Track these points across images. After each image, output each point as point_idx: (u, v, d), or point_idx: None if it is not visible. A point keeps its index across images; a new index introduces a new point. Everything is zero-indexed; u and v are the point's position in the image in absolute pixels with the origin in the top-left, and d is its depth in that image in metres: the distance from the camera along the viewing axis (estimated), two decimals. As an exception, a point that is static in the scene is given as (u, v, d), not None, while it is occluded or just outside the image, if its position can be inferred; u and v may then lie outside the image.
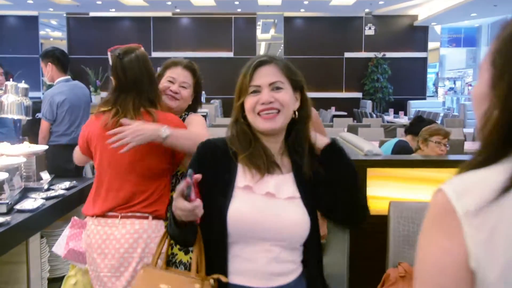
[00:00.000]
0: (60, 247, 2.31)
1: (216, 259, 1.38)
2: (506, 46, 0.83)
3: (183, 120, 2.35)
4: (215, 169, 1.43)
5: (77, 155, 2.30)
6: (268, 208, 1.37)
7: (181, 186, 1.29)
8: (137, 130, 1.94)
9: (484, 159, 0.80)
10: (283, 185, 1.45)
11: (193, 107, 2.45)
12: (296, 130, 1.49)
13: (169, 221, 1.42)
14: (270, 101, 1.41)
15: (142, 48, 2.21)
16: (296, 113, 1.48)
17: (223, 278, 1.35)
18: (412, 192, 3.11)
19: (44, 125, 4.25)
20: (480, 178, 0.76)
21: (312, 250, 1.46)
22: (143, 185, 2.05)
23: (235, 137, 1.46)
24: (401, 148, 4.44)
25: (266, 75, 1.45)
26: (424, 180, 3.22)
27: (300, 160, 1.46)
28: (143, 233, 1.99)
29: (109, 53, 2.18)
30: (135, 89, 2.06)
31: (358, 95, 14.48)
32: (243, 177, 1.43)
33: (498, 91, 0.81)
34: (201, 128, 2.23)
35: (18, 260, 2.55)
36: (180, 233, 1.39)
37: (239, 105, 1.46)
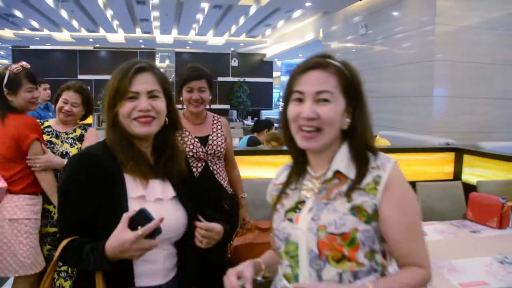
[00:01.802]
0: None
1: (120, 270, 1.24)
2: (357, 77, 1.17)
3: (83, 129, 2.80)
4: (100, 183, 1.27)
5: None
6: (160, 213, 1.21)
7: (147, 228, 1.16)
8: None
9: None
10: (165, 188, 1.37)
11: (85, 116, 2.84)
12: (164, 134, 1.40)
13: (93, 261, 1.21)
14: (148, 109, 1.31)
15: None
16: (167, 119, 1.39)
17: None
18: (258, 172, 3.84)
19: None
20: None
21: (187, 241, 1.40)
22: None
23: (117, 143, 1.33)
24: (252, 141, 5.09)
25: (144, 82, 1.33)
26: (267, 163, 3.95)
27: (170, 162, 1.40)
28: None
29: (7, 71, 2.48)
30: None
31: (227, 106, 17.62)
32: (133, 186, 1.31)
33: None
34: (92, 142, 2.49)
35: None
36: (108, 268, 1.21)
37: (115, 110, 1.31)
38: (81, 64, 17.06)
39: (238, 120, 15.29)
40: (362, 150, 1.18)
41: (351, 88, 1.17)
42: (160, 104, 1.36)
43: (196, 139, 2.54)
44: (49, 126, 2.79)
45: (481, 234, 2.67)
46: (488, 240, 2.56)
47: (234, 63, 18.14)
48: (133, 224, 1.19)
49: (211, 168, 2.58)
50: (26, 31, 14.47)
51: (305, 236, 1.15)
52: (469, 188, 3.38)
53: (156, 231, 1.20)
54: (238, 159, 2.86)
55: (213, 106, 16.52)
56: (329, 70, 1.16)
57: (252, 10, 11.08)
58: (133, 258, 1.23)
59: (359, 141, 1.18)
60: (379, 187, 1.12)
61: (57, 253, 1.29)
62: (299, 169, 1.27)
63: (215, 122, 2.66)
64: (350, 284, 1.12)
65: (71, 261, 1.30)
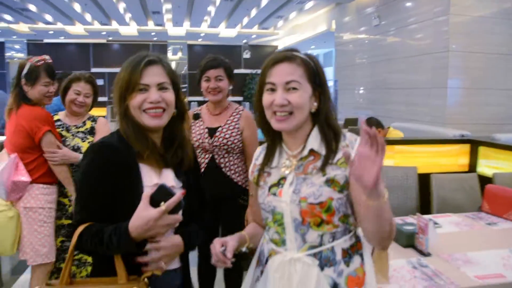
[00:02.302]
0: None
1: (133, 257, 1.28)
2: (315, 70, 1.32)
3: (92, 121, 2.77)
4: (119, 173, 1.31)
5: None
6: None
7: (171, 202, 1.21)
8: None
9: None
10: (174, 176, 1.43)
11: (91, 106, 2.80)
12: (173, 125, 1.44)
13: (116, 243, 1.22)
14: (158, 100, 1.35)
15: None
16: (175, 110, 1.42)
17: (158, 272, 1.30)
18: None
19: None
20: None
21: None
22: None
23: (132, 134, 1.36)
24: None
25: (154, 75, 1.37)
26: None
27: (180, 151, 1.44)
28: None
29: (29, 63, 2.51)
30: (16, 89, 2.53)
31: (240, 98, 17.52)
32: (148, 175, 1.36)
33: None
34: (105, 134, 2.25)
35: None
36: (134, 249, 1.24)
37: (126, 102, 1.36)
38: (94, 57, 17.21)
39: (251, 112, 15.08)
40: (329, 130, 1.35)
41: (316, 76, 1.34)
42: (170, 96, 1.40)
43: (206, 129, 2.55)
44: (58, 120, 2.77)
45: (497, 226, 2.65)
46: (505, 233, 2.54)
47: (246, 55, 18.16)
48: (154, 201, 1.22)
49: (217, 160, 2.56)
50: (40, 25, 14.63)
51: (288, 207, 1.34)
52: (484, 180, 3.36)
53: (179, 206, 1.24)
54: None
55: (228, 98, 17.17)
56: (296, 62, 1.32)
57: (264, 1, 11.06)
58: (160, 235, 1.29)
59: (326, 122, 1.36)
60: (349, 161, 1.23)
61: (74, 239, 1.30)
62: (275, 149, 1.44)
63: (233, 114, 2.62)
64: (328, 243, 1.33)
65: (90, 246, 1.28)
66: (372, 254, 1.48)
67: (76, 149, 2.67)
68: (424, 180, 3.48)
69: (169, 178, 1.42)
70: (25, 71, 2.50)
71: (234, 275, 2.66)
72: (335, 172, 1.31)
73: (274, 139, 1.44)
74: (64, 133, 2.73)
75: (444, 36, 6.68)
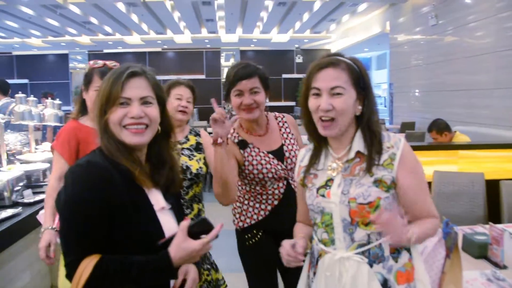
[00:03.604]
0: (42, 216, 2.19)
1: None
2: (362, 70, 1.39)
3: (195, 135, 2.37)
4: (112, 192, 1.19)
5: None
6: (164, 222, 1.29)
7: (213, 235, 1.23)
8: None
9: None
10: (163, 198, 1.35)
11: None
12: (159, 143, 1.36)
13: (152, 276, 1.18)
14: (141, 115, 1.25)
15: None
16: (159, 128, 1.33)
17: None
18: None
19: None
20: None
21: None
22: None
23: (117, 150, 1.25)
24: None
25: (137, 88, 1.28)
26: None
27: (172, 174, 1.37)
28: None
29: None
30: None
31: (293, 103, 17.45)
32: (152, 197, 1.29)
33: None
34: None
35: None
36: (175, 277, 1.24)
37: (106, 116, 1.25)
38: (150, 64, 17.08)
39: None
40: (372, 132, 1.39)
41: (360, 80, 1.37)
42: (154, 111, 1.30)
43: (271, 155, 2.08)
44: None
45: None
46: None
47: (299, 59, 18.03)
48: (193, 232, 1.24)
49: (292, 185, 2.12)
50: (101, 36, 15.26)
51: (338, 208, 1.38)
52: (557, 187, 3.13)
53: (216, 237, 1.27)
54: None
55: (278, 103, 17.20)
56: (340, 67, 1.35)
57: (317, 5, 10.97)
58: (194, 261, 1.29)
59: (368, 124, 1.40)
60: (395, 162, 1.37)
61: (83, 277, 1.13)
62: (321, 152, 1.49)
63: (281, 125, 2.20)
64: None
65: (113, 284, 1.16)
66: (444, 265, 1.46)
67: (186, 169, 2.25)
68: (492, 187, 3.28)
69: (158, 198, 1.33)
70: (84, 76, 2.27)
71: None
72: (382, 172, 1.36)
73: (320, 142, 1.48)
74: None
75: (508, 33, 6.33)
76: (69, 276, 1.17)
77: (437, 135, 4.79)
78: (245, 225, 2.12)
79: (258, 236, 2.09)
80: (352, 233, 1.37)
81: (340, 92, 1.34)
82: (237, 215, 2.17)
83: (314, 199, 1.45)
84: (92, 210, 1.17)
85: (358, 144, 1.41)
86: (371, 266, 1.36)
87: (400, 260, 1.37)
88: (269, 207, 2.09)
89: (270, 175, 2.05)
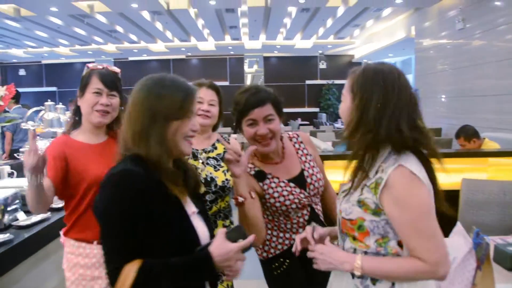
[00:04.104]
0: None
1: None
2: (358, 80, 1.33)
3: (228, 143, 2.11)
4: (152, 199, 1.24)
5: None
6: (197, 225, 1.35)
7: (248, 241, 1.28)
8: None
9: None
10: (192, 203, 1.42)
11: (217, 124, 2.18)
12: None
13: (194, 272, 1.22)
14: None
15: None
16: None
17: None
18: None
19: (8, 136, 5.61)
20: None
21: None
22: None
23: (166, 159, 1.31)
24: None
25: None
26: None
27: (194, 178, 1.44)
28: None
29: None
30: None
31: (316, 109, 17.56)
32: (184, 202, 1.34)
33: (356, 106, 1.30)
34: None
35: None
36: (216, 277, 1.34)
37: (166, 123, 1.29)
38: (175, 72, 17.32)
39: (327, 123, 15.01)
40: (372, 150, 1.35)
41: (356, 88, 1.36)
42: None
43: (292, 184, 1.91)
44: None
45: None
46: None
47: (322, 65, 18.04)
48: (230, 239, 1.30)
49: (316, 210, 1.99)
50: (126, 44, 15.51)
51: (339, 215, 1.46)
52: None
53: (249, 247, 1.32)
54: (331, 163, 2.63)
55: (302, 110, 17.32)
56: (349, 75, 1.42)
57: (340, 11, 10.90)
58: (227, 268, 1.30)
59: (367, 140, 1.36)
60: (379, 188, 1.29)
61: (129, 283, 1.16)
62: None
63: (297, 146, 2.03)
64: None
65: (157, 286, 1.20)
66: (475, 277, 1.41)
67: (210, 180, 2.07)
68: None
69: (190, 203, 1.40)
70: (81, 80, 2.00)
71: None
72: (367, 195, 1.33)
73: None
74: (191, 161, 2.07)
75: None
76: (112, 283, 1.20)
77: (465, 141, 4.67)
78: (270, 255, 1.97)
79: (286, 264, 1.94)
80: (344, 241, 1.44)
81: (342, 99, 1.46)
82: (260, 245, 1.98)
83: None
84: (132, 217, 1.21)
85: (367, 160, 1.38)
86: (352, 277, 1.40)
87: (378, 284, 1.35)
88: (294, 236, 1.91)
89: (294, 206, 1.89)
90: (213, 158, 2.14)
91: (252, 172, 1.93)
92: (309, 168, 1.97)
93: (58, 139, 2.05)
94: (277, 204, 1.88)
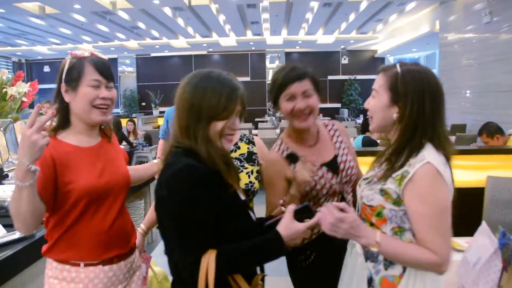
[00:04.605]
0: None
1: None
2: (404, 80, 1.39)
3: (248, 142, 2.00)
4: (222, 191, 1.30)
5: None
6: None
7: (315, 221, 1.35)
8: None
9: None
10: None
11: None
12: None
13: (267, 253, 1.31)
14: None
15: None
16: None
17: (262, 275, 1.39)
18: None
19: None
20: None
21: None
22: None
23: (217, 157, 1.31)
24: (368, 141, 4.87)
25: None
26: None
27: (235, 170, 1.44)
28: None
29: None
30: None
31: (338, 105, 17.50)
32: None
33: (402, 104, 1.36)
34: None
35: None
36: (284, 253, 1.35)
37: (209, 124, 1.32)
38: (196, 67, 16.80)
39: (349, 119, 14.89)
40: (404, 143, 1.41)
41: (396, 86, 1.41)
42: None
43: (324, 168, 1.85)
44: None
45: None
46: None
47: (344, 60, 17.91)
48: (297, 217, 1.35)
49: (347, 200, 1.92)
50: (148, 41, 15.67)
51: (359, 200, 1.53)
52: None
53: (315, 226, 1.39)
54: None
55: (324, 105, 17.05)
56: (384, 72, 1.46)
57: (363, 5, 10.79)
58: (295, 245, 1.37)
59: (402, 133, 1.42)
60: (404, 180, 1.36)
61: (212, 272, 1.21)
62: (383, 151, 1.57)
63: (332, 133, 1.98)
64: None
65: (234, 267, 1.29)
66: (500, 278, 1.41)
67: None
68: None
69: (240, 193, 1.45)
70: (64, 71, 1.61)
71: None
72: (390, 185, 1.39)
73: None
74: None
75: None
76: (192, 276, 1.23)
77: (488, 138, 4.56)
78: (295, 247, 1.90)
79: (312, 257, 1.87)
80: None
81: (374, 95, 1.48)
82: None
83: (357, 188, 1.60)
84: (205, 209, 1.25)
85: (393, 150, 1.46)
86: (365, 260, 1.46)
87: (390, 269, 1.41)
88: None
89: (324, 191, 1.82)
90: (237, 158, 1.96)
91: (284, 155, 1.87)
92: (342, 155, 1.91)
93: None
94: (307, 189, 1.80)
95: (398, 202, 1.38)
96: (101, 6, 9.97)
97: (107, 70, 1.64)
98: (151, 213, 2.03)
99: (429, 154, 1.35)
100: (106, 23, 12.18)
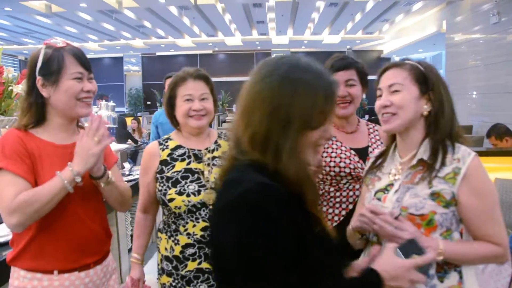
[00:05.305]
0: None
1: None
2: (430, 69, 1.37)
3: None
4: (295, 211, 0.94)
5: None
6: None
7: (425, 259, 1.09)
8: None
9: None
10: None
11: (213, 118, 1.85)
12: None
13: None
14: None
15: None
16: None
17: None
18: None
19: None
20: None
21: None
22: None
23: (306, 178, 0.99)
24: None
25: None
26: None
27: None
28: None
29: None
30: None
31: (344, 106, 17.93)
32: None
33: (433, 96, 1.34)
34: None
35: (111, 223, 2.97)
36: None
37: (305, 133, 0.98)
38: (202, 67, 16.30)
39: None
40: (443, 140, 1.35)
41: (424, 78, 1.36)
42: None
43: (353, 152, 1.89)
44: (179, 146, 1.83)
45: None
46: None
47: (349, 60, 17.71)
48: (403, 253, 1.12)
49: None
50: (153, 40, 15.65)
51: None
52: None
53: (429, 266, 1.10)
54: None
55: None
56: (401, 67, 1.39)
57: (369, 5, 10.74)
58: (403, 284, 1.07)
59: (436, 129, 1.36)
60: (458, 177, 1.30)
61: None
62: (387, 155, 1.49)
63: (371, 131, 2.02)
64: None
65: None
66: (510, 283, 1.39)
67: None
68: None
69: None
70: (40, 63, 1.48)
71: None
72: (442, 186, 1.31)
73: (389, 145, 1.50)
74: (194, 165, 1.79)
75: None
76: None
77: (497, 140, 4.52)
78: None
79: None
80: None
81: (398, 88, 1.36)
82: None
83: (370, 201, 1.45)
84: (287, 243, 0.94)
85: (424, 151, 1.37)
86: None
87: (446, 280, 1.31)
88: (343, 212, 1.84)
89: (347, 170, 1.82)
90: (219, 157, 1.83)
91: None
92: (375, 148, 1.94)
93: (10, 133, 1.49)
94: (331, 164, 1.85)
95: (449, 203, 1.31)
96: (107, 5, 9.97)
97: (87, 61, 1.57)
98: (139, 236, 1.91)
99: (465, 146, 1.35)
100: (112, 22, 12.19)
